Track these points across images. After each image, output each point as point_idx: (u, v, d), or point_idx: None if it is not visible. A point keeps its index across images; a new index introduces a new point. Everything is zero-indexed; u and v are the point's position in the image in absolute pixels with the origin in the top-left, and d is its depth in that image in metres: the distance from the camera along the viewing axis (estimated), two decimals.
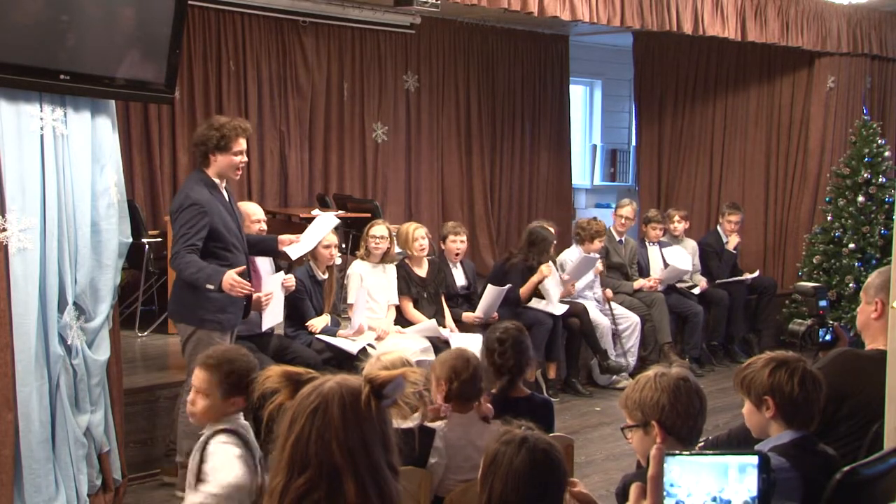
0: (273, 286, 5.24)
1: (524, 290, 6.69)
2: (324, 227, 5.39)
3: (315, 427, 1.75)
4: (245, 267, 4.42)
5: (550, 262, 6.80)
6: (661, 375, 2.57)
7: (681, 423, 2.51)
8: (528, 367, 3.85)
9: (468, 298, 6.66)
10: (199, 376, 3.04)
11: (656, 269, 7.80)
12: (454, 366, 3.42)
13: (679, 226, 8.13)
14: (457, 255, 6.57)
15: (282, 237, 5.02)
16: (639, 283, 7.63)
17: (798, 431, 2.75)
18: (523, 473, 2.15)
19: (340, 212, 7.93)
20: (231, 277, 4.28)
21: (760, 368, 2.79)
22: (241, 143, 4.61)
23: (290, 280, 5.35)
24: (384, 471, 1.79)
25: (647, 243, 7.94)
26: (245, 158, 4.68)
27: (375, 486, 1.76)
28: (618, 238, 7.79)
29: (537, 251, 6.76)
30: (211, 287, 4.32)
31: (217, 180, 4.62)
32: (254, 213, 5.36)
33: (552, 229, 7.05)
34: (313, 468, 1.74)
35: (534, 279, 6.68)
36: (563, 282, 6.99)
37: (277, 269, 5.58)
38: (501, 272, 6.80)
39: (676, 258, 7.79)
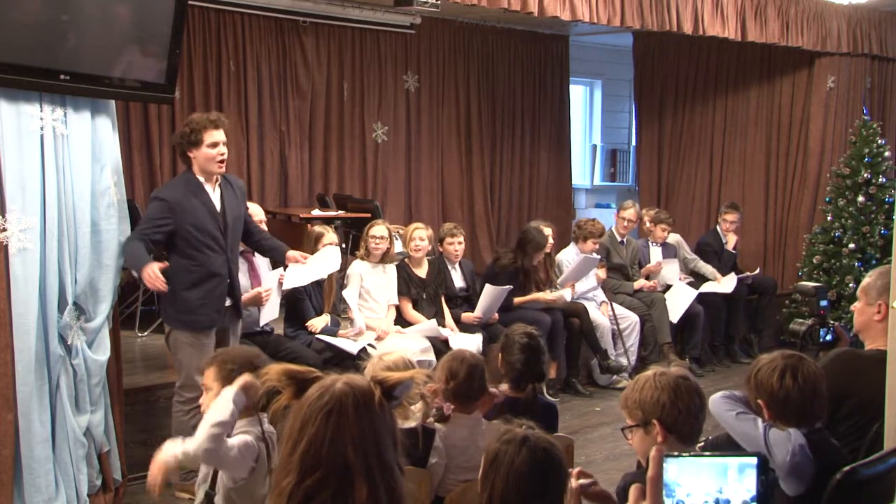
0: (270, 282, 5.24)
1: (519, 301, 6.68)
2: (329, 265, 5.41)
3: (330, 428, 1.76)
4: (167, 264, 4.45)
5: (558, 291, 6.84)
6: (660, 375, 2.57)
7: (682, 422, 2.52)
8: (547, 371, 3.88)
9: (467, 299, 6.66)
10: (206, 375, 3.17)
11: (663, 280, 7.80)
12: (450, 367, 3.43)
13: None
14: (456, 255, 6.57)
15: (290, 253, 5.01)
16: (639, 283, 7.63)
17: (799, 427, 2.76)
18: (524, 472, 2.15)
19: (340, 211, 7.94)
20: (150, 269, 4.29)
21: (750, 374, 2.87)
22: (214, 135, 4.56)
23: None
24: (395, 471, 1.81)
25: (650, 243, 7.94)
26: (223, 150, 4.61)
27: (386, 485, 1.77)
28: (619, 239, 7.78)
29: (523, 253, 6.77)
30: (133, 273, 4.41)
31: (202, 179, 4.62)
32: (257, 214, 5.37)
33: (550, 229, 7.04)
34: (325, 468, 1.74)
35: (539, 296, 6.72)
36: (560, 283, 7.02)
37: (274, 267, 5.58)
38: (492, 274, 6.80)
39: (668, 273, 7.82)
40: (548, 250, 7.08)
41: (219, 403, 2.94)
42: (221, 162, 4.63)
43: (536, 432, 2.26)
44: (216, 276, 4.62)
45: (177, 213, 4.49)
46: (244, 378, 3.00)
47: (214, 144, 4.57)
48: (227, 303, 4.75)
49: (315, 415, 1.77)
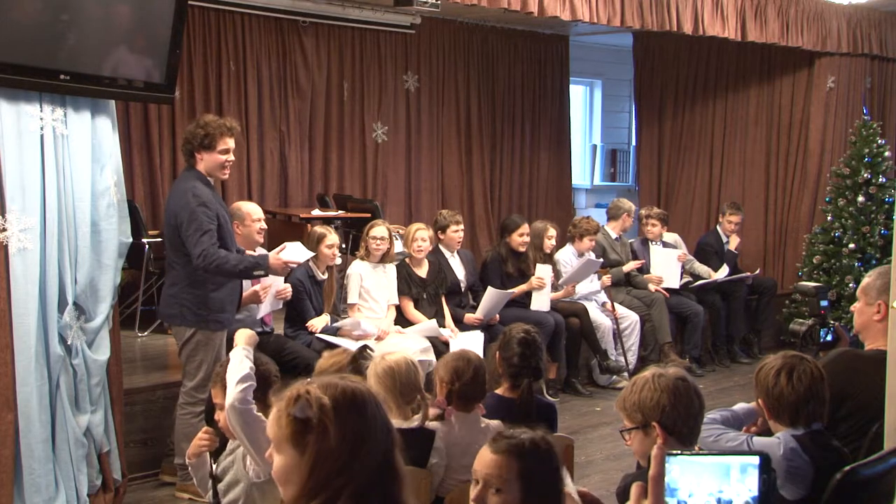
0: (269, 279, 5.22)
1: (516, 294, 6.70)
2: (294, 258, 5.39)
3: (378, 429, 1.80)
4: (285, 245, 4.59)
5: (543, 269, 6.78)
6: (659, 376, 2.56)
7: (681, 424, 2.51)
8: (546, 371, 3.88)
9: (473, 293, 6.66)
10: (216, 394, 3.10)
11: (658, 269, 7.79)
12: (457, 367, 3.43)
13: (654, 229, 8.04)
14: (459, 243, 6.61)
15: (250, 253, 5.00)
16: (629, 266, 7.61)
17: (794, 428, 2.76)
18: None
19: (340, 211, 7.93)
20: (277, 259, 4.46)
21: (755, 373, 2.88)
22: (227, 142, 4.58)
23: (287, 291, 5.35)
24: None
25: (649, 243, 7.93)
26: (232, 158, 4.65)
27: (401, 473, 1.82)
28: (614, 236, 7.79)
29: (501, 239, 6.92)
30: (259, 272, 4.50)
31: (209, 178, 4.63)
32: (255, 214, 5.33)
33: (555, 231, 7.04)
34: (377, 468, 1.77)
35: (525, 287, 6.70)
36: (560, 284, 7.02)
37: None
38: (484, 272, 6.84)
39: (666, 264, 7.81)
40: (548, 251, 7.08)
41: (234, 363, 2.95)
42: (227, 169, 4.66)
43: (529, 432, 2.24)
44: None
45: (217, 215, 4.51)
46: (244, 335, 3.06)
47: (226, 151, 4.58)
48: None
49: (373, 417, 1.80)
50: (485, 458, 2.16)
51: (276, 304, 5.39)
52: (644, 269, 7.78)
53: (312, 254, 5.51)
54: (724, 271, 8.04)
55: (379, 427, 1.80)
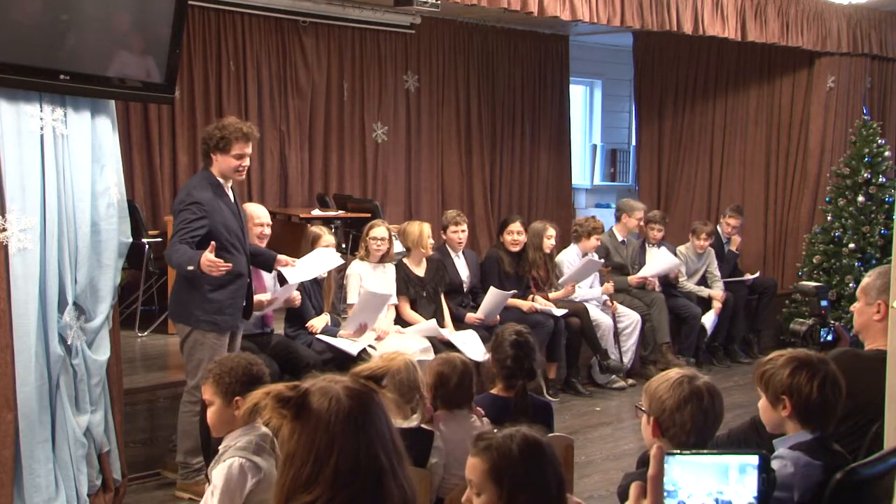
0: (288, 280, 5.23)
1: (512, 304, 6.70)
2: (324, 264, 5.39)
3: (361, 434, 1.73)
4: (214, 244, 4.37)
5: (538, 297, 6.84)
6: (681, 383, 2.52)
7: (674, 434, 2.49)
8: (539, 372, 3.86)
9: (473, 294, 6.67)
10: (205, 390, 3.12)
11: (651, 271, 7.79)
12: (441, 372, 3.42)
13: (703, 243, 7.99)
14: (460, 244, 6.60)
15: (280, 256, 5.01)
16: (634, 277, 7.60)
17: (813, 433, 2.75)
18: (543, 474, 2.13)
19: (340, 211, 7.94)
20: (206, 258, 4.25)
21: (781, 366, 2.73)
22: (243, 148, 4.58)
23: (298, 298, 5.37)
24: (407, 464, 1.80)
25: (647, 244, 7.93)
26: (247, 163, 4.66)
27: (407, 480, 1.77)
28: (620, 238, 7.78)
29: (498, 240, 6.98)
30: (191, 268, 4.31)
31: (222, 180, 4.63)
32: (257, 216, 5.27)
33: (552, 230, 7.04)
34: (361, 477, 1.71)
35: (521, 305, 6.70)
36: (560, 283, 7.02)
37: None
38: (482, 271, 6.85)
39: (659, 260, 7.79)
40: (547, 250, 7.08)
41: None
42: (242, 172, 4.66)
43: (523, 428, 2.23)
44: (240, 277, 4.63)
45: (210, 215, 4.48)
46: None
47: (241, 156, 4.58)
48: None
49: (341, 426, 1.72)
50: (468, 462, 2.16)
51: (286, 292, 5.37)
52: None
53: (328, 268, 5.50)
54: (719, 288, 8.01)
55: (362, 443, 1.73)
